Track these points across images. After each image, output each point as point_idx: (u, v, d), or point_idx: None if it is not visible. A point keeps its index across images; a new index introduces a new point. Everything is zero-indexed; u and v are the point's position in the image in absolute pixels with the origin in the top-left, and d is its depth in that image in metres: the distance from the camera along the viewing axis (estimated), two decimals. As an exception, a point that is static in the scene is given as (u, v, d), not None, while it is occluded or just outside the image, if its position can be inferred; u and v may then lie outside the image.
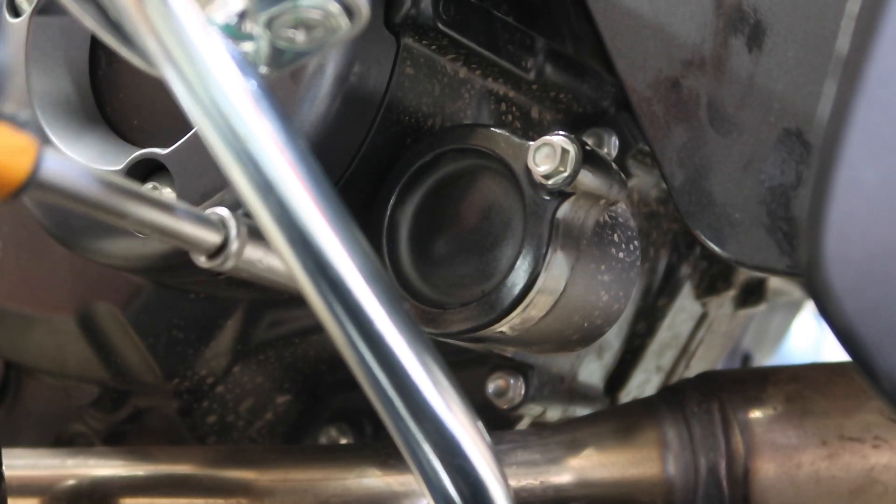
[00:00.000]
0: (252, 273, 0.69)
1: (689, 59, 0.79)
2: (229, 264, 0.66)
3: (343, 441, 0.99)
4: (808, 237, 0.56)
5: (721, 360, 1.18)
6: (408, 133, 0.80)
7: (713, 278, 1.05)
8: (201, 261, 0.66)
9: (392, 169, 0.80)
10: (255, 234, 0.67)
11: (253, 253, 0.67)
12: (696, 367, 1.10)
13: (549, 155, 0.75)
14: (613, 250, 0.79)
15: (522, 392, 0.90)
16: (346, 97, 0.76)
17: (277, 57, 0.63)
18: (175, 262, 0.79)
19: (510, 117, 0.86)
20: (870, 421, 0.84)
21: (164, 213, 0.64)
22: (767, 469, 0.83)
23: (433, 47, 0.80)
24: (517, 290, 0.75)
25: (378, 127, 0.78)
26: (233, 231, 0.66)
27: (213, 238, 0.66)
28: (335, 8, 0.61)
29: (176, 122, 0.80)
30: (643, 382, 1.06)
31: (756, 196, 0.77)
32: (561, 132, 0.75)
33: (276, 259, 0.68)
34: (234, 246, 0.66)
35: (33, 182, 0.56)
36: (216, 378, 0.93)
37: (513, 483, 0.85)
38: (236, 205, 0.76)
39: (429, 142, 0.79)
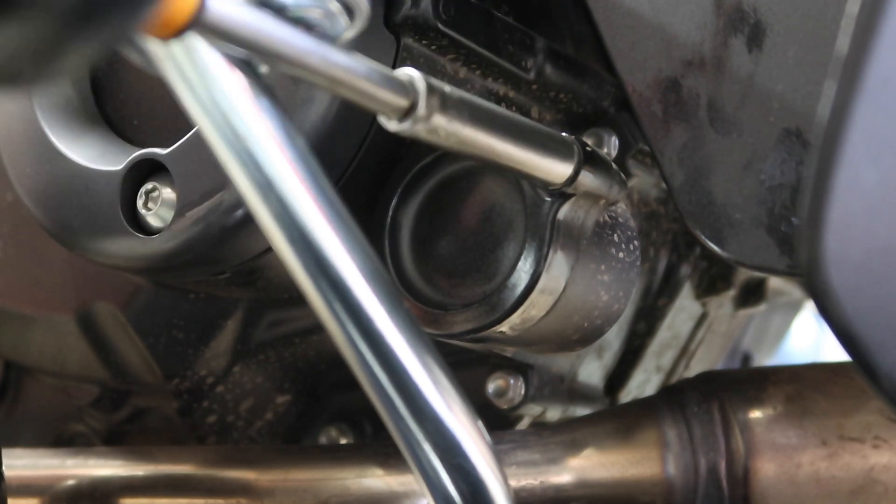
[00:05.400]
0: (436, 140, 0.66)
1: (689, 59, 0.79)
2: (418, 128, 0.64)
3: (343, 441, 0.99)
4: (807, 237, 0.56)
5: (721, 360, 1.18)
6: (408, 133, 0.80)
7: (713, 278, 1.05)
8: (391, 125, 0.64)
9: (393, 170, 0.80)
10: (448, 100, 0.64)
11: (438, 120, 0.65)
12: (696, 367, 1.10)
13: (549, 155, 0.75)
14: (613, 250, 0.79)
15: (522, 392, 0.90)
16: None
17: (277, 57, 0.63)
18: (175, 262, 0.79)
19: (510, 117, 0.86)
20: (870, 421, 0.84)
21: (343, 69, 0.61)
22: (767, 469, 0.83)
23: (433, 47, 0.80)
24: (519, 290, 0.75)
25: (378, 127, 0.78)
26: (422, 94, 0.63)
27: (399, 101, 0.63)
28: (335, 7, 0.61)
29: (176, 122, 0.80)
30: (643, 382, 1.06)
31: (756, 196, 0.77)
32: (561, 132, 0.75)
33: (461, 128, 0.66)
34: (421, 111, 0.63)
35: (198, 22, 0.54)
36: (216, 378, 0.93)
37: (513, 483, 0.85)
38: (237, 204, 0.76)
39: (430, 142, 0.79)
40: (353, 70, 0.61)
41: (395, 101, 0.63)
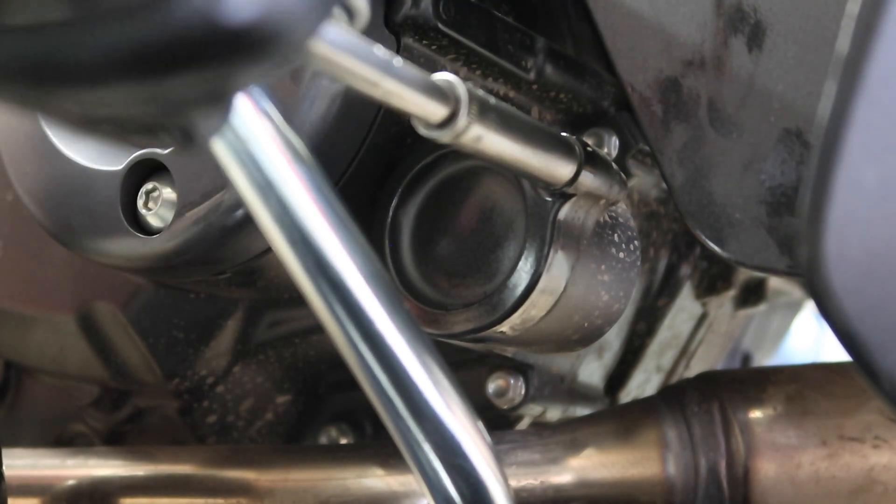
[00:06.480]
0: (465, 145, 0.65)
1: (689, 59, 0.79)
2: (462, 139, 0.63)
3: (343, 441, 0.99)
4: (808, 237, 0.56)
5: (721, 360, 1.19)
6: (408, 133, 0.80)
7: (713, 278, 1.05)
8: (423, 132, 0.63)
9: (394, 170, 0.80)
10: (485, 109, 0.63)
11: (475, 128, 0.64)
12: (696, 367, 1.10)
13: (549, 155, 0.75)
14: (613, 250, 0.79)
15: (522, 392, 0.90)
16: (345, 97, 0.76)
17: (277, 57, 0.63)
18: (175, 262, 0.79)
19: (510, 117, 0.86)
20: (870, 421, 0.84)
21: (381, 70, 0.58)
22: (767, 469, 0.83)
23: (433, 47, 0.80)
24: (519, 290, 0.75)
25: (378, 127, 0.78)
26: (463, 102, 0.62)
27: (439, 109, 0.62)
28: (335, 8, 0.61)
29: (176, 122, 0.80)
30: (643, 382, 1.06)
31: (756, 196, 0.77)
32: (561, 133, 0.75)
33: (491, 134, 0.65)
34: (462, 121, 0.62)
35: None
36: (216, 378, 0.93)
37: (513, 483, 0.85)
38: (237, 205, 0.76)
39: (430, 143, 0.79)
40: (392, 72, 0.59)
41: (434, 108, 0.62)
